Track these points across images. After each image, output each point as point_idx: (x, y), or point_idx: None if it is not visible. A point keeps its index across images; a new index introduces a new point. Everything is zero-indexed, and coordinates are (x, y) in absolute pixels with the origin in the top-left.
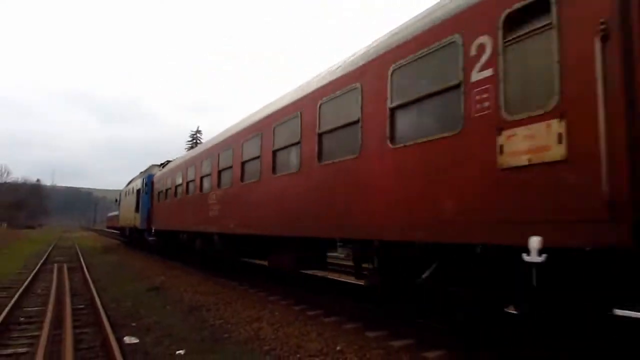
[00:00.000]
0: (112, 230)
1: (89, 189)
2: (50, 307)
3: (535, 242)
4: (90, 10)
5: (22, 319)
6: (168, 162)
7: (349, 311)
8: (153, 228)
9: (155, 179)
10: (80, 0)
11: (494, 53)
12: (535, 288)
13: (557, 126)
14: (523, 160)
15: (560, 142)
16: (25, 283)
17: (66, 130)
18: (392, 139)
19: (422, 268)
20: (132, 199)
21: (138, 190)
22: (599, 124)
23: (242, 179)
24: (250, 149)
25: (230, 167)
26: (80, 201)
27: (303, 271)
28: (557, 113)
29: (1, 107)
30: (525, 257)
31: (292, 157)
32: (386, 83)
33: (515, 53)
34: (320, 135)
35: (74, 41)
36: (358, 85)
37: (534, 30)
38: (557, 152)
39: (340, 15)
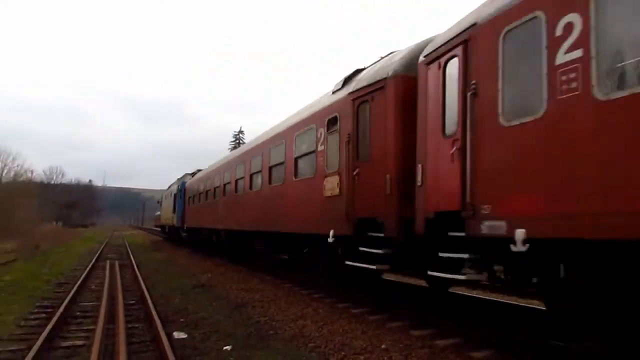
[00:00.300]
0: (157, 229)
1: (137, 189)
2: (103, 302)
3: (520, 234)
4: (136, 16)
5: (78, 313)
6: (199, 170)
7: (393, 309)
8: (185, 225)
9: (187, 186)
10: (127, 9)
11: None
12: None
13: (337, 180)
14: (328, 193)
15: (339, 187)
16: (80, 279)
17: (115, 133)
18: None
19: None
20: (170, 202)
21: (174, 195)
22: (343, 182)
23: (250, 187)
24: (256, 164)
25: (242, 177)
26: (129, 201)
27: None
28: (337, 174)
29: (58, 112)
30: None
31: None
32: None
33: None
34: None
35: (119, 47)
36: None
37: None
38: (337, 191)
39: (340, 15)
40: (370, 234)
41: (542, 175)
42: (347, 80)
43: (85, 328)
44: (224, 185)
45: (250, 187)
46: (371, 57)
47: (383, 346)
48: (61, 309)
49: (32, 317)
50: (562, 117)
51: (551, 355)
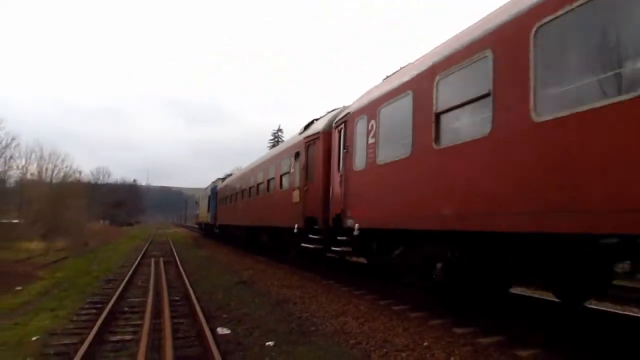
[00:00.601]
0: (195, 226)
1: (179, 187)
2: (149, 298)
3: (357, 226)
4: (177, 18)
5: (126, 308)
6: (228, 175)
7: (436, 307)
8: (217, 223)
9: (218, 189)
10: (167, 12)
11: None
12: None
13: (298, 192)
14: (295, 200)
15: (299, 197)
16: (127, 276)
17: (158, 133)
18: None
19: None
20: (206, 202)
21: (209, 196)
22: (301, 194)
23: (257, 194)
24: (260, 177)
25: (252, 186)
26: (171, 199)
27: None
28: (299, 188)
29: (105, 114)
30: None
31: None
32: None
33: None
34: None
35: (162, 49)
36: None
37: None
38: (298, 199)
39: (340, 16)
40: (314, 227)
41: (366, 198)
42: (306, 127)
43: (133, 323)
44: (242, 191)
45: (257, 194)
46: (371, 57)
47: (425, 343)
48: (110, 305)
49: (84, 312)
50: (368, 171)
51: (600, 353)
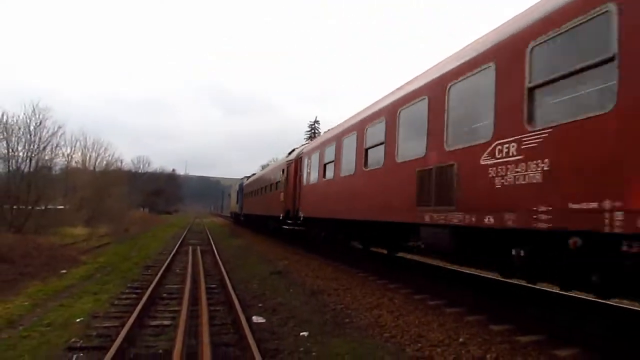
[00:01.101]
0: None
1: (217, 177)
2: (187, 285)
3: (302, 214)
4: (222, 10)
5: (164, 295)
6: (253, 174)
7: (472, 303)
8: (243, 212)
9: (244, 186)
10: (209, 7)
11: None
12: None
13: (283, 194)
14: (281, 199)
15: (283, 197)
16: (166, 263)
17: (198, 124)
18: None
19: None
20: (235, 195)
21: (237, 191)
22: (285, 196)
23: (264, 192)
24: (265, 181)
25: (262, 187)
26: (209, 189)
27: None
28: (283, 192)
29: (146, 104)
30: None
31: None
32: None
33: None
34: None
35: (203, 40)
36: None
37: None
38: (282, 199)
39: (340, 16)
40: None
41: (312, 201)
42: (290, 152)
43: (171, 309)
44: (256, 190)
45: (263, 192)
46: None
47: (461, 339)
48: (149, 290)
49: (124, 296)
50: (320, 185)
51: None
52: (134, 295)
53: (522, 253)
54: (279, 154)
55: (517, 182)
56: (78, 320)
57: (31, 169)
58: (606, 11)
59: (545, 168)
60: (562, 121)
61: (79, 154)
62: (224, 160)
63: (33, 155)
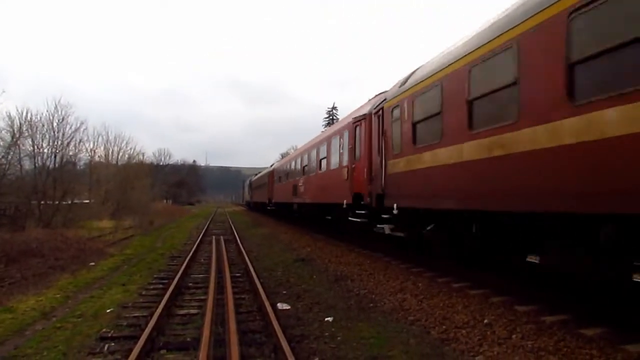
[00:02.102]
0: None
1: (238, 167)
2: (212, 274)
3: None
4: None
5: (190, 284)
6: (257, 174)
7: (496, 284)
8: (251, 202)
9: (252, 181)
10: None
11: None
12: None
13: (348, 172)
14: (341, 178)
15: (349, 177)
16: (191, 253)
17: (217, 115)
18: None
19: None
20: (247, 189)
21: (247, 185)
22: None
23: (280, 181)
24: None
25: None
26: (230, 179)
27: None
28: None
29: (166, 96)
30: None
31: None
32: None
33: None
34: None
35: (223, 31)
36: None
37: None
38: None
39: (340, 16)
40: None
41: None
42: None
43: (197, 298)
44: (261, 183)
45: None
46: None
47: (486, 321)
48: (175, 280)
49: (152, 287)
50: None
51: None
52: (160, 286)
53: None
54: (299, 142)
55: None
56: (108, 310)
57: (56, 165)
58: (343, 135)
59: None
60: None
61: (102, 148)
62: (244, 150)
63: (58, 151)
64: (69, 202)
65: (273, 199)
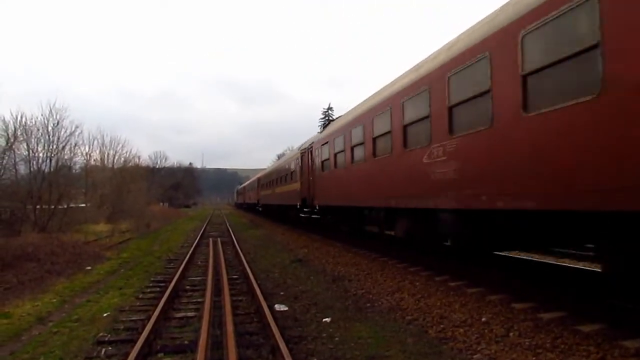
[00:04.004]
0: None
1: (234, 169)
2: (209, 277)
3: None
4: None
5: (187, 287)
6: (243, 183)
7: (494, 282)
8: (238, 202)
9: (239, 189)
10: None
11: None
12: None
13: (298, 184)
14: (296, 188)
15: (297, 188)
16: (187, 256)
17: (212, 116)
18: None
19: None
20: (235, 194)
21: (236, 192)
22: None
23: (276, 185)
24: (278, 174)
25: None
26: (226, 180)
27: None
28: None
29: (161, 99)
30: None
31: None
32: None
33: None
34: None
35: (215, 33)
36: None
37: None
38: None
39: (339, 16)
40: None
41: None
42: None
43: (194, 301)
44: (270, 181)
45: (281, 183)
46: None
47: (483, 319)
48: (173, 283)
49: (149, 290)
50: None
51: None
52: (158, 289)
53: None
54: (295, 142)
55: None
56: (105, 314)
57: (52, 169)
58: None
59: None
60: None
61: (97, 151)
62: (240, 151)
63: (53, 155)
64: (65, 206)
65: (260, 201)
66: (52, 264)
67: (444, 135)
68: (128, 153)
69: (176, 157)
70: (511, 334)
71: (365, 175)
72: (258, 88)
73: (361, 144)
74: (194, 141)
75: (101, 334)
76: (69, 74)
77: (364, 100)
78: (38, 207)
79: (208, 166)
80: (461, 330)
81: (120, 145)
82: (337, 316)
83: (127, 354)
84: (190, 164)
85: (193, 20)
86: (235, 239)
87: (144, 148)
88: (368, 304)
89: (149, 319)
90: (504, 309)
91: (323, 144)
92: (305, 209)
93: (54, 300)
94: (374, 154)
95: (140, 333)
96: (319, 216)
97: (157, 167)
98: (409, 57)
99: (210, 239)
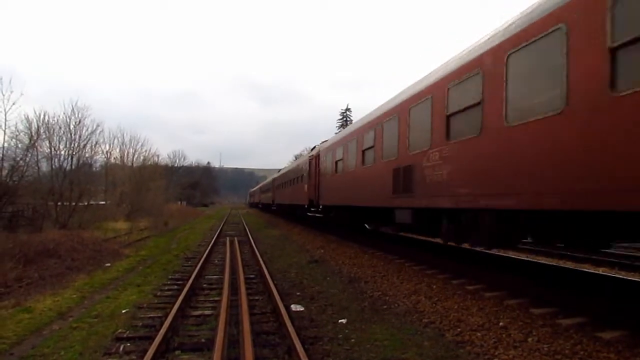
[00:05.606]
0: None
1: (251, 169)
2: (226, 276)
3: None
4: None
5: (205, 285)
6: (258, 182)
7: (512, 286)
8: (254, 201)
9: (252, 191)
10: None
11: None
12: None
13: (306, 186)
14: (305, 190)
15: (305, 190)
16: (205, 254)
17: (230, 116)
18: None
19: None
20: (249, 196)
21: (250, 193)
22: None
23: (287, 186)
24: (288, 177)
25: (284, 182)
26: (244, 180)
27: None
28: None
29: (181, 98)
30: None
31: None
32: None
33: None
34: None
35: (237, 33)
36: None
37: None
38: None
39: (340, 16)
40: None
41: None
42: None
43: (211, 299)
44: (284, 182)
45: (293, 184)
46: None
47: (501, 324)
48: (190, 282)
49: (166, 288)
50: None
51: None
52: (175, 287)
53: None
54: (312, 144)
55: None
56: (124, 311)
57: (73, 167)
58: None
59: None
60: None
61: (117, 150)
62: (257, 151)
63: (74, 153)
64: (85, 203)
65: (275, 200)
66: (72, 260)
67: (441, 140)
68: (147, 152)
69: (194, 156)
70: (529, 339)
71: (367, 177)
72: (278, 88)
73: (370, 147)
74: (212, 141)
75: (120, 331)
76: (91, 73)
77: (357, 121)
78: (59, 204)
79: (226, 166)
80: (478, 334)
81: (140, 144)
82: (353, 317)
83: (145, 351)
84: (208, 163)
85: (216, 21)
86: (252, 238)
87: (163, 147)
88: (384, 306)
89: (166, 316)
90: (522, 313)
91: (327, 153)
92: (312, 208)
93: (74, 296)
94: (374, 160)
95: (158, 330)
96: (321, 215)
97: (176, 166)
98: (429, 57)
99: (227, 238)
